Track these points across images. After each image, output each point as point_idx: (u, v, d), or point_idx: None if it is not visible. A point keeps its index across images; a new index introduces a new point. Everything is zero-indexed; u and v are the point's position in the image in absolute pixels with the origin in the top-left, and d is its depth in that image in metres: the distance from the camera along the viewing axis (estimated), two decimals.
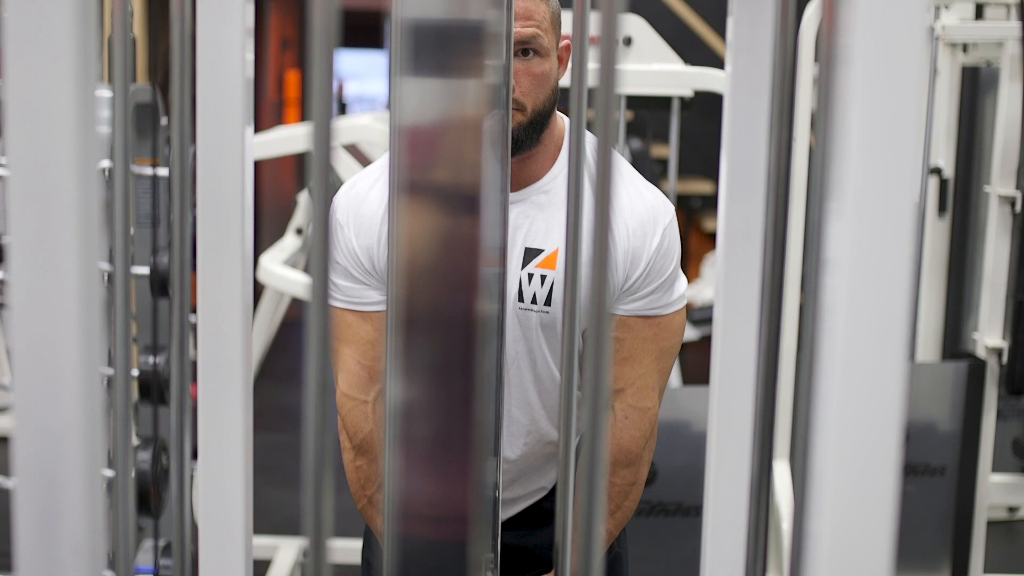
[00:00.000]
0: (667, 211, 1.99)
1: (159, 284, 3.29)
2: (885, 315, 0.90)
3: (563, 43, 1.95)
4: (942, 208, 4.42)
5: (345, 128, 3.83)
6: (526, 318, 1.96)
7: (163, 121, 3.27)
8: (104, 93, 1.00)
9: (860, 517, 0.93)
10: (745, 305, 1.37)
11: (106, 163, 2.17)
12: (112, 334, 1.06)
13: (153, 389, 3.20)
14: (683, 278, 2.02)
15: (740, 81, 1.35)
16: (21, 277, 0.91)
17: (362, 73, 17.57)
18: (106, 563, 0.97)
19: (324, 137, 0.88)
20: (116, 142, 1.03)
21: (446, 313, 0.65)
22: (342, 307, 1.98)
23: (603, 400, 0.86)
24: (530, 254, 1.95)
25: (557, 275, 1.94)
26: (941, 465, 3.75)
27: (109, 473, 2.06)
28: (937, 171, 4.36)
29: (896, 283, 0.89)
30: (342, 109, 16.96)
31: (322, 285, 0.91)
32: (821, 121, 1.02)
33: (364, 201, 1.97)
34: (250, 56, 1.42)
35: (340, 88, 17.11)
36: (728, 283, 1.39)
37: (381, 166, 2.04)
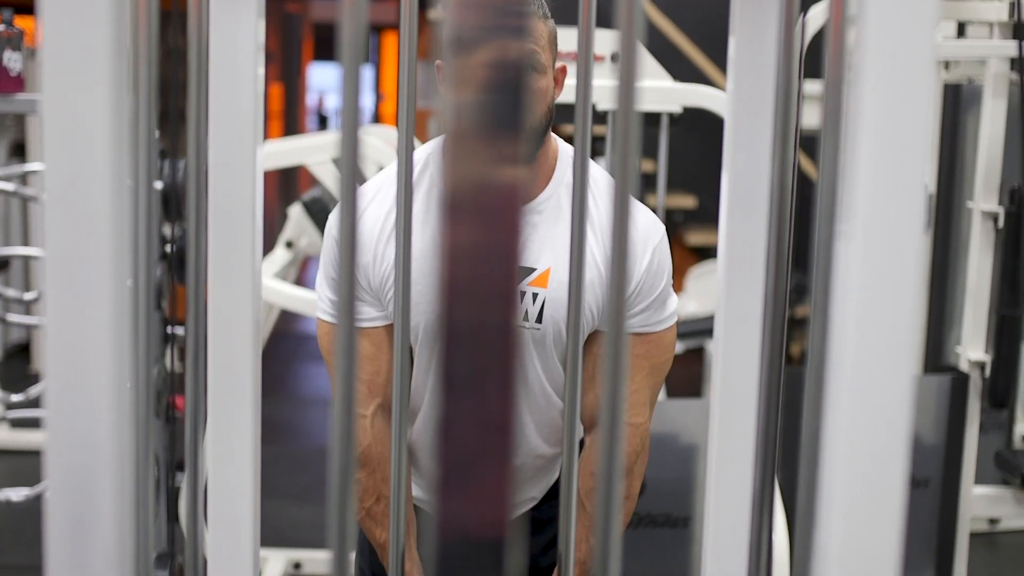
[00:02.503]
0: (656, 231, 2.04)
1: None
2: (893, 334, 0.92)
3: (558, 65, 1.99)
4: (925, 223, 4.47)
5: (331, 144, 3.85)
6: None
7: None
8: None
9: (868, 530, 0.95)
10: (746, 322, 1.39)
11: None
12: (136, 346, 1.07)
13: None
14: (674, 296, 2.07)
15: (741, 97, 1.38)
16: (56, 291, 0.93)
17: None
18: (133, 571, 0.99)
19: (352, 154, 0.90)
20: (140, 157, 1.05)
21: (484, 328, 0.68)
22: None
23: (619, 412, 0.89)
24: (522, 272, 1.98)
25: (548, 293, 1.97)
26: (925, 477, 3.79)
27: None
28: None
29: (905, 298, 0.92)
30: (323, 122, 16.95)
31: (348, 302, 0.93)
32: (828, 140, 1.05)
33: (360, 218, 1.99)
34: (261, 71, 1.44)
35: (320, 101, 17.11)
36: (729, 299, 1.42)
37: (377, 183, 2.06)
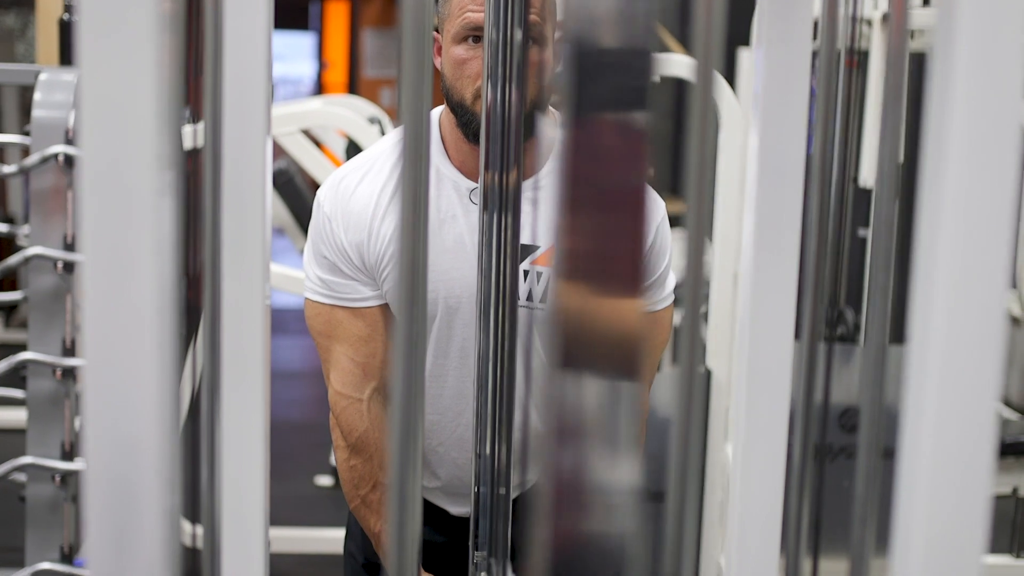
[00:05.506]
0: (658, 210, 1.99)
1: None
2: (984, 310, 0.90)
3: (558, 35, 1.94)
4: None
5: (298, 114, 3.79)
6: (522, 315, 1.94)
7: None
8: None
9: (955, 503, 0.93)
10: (778, 294, 1.37)
11: None
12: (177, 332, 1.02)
13: None
14: (673, 276, 2.03)
15: (773, 68, 1.34)
16: (97, 288, 0.87)
17: (285, 55, 17.41)
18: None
19: (416, 135, 0.86)
20: (171, 134, 0.99)
21: (606, 316, 0.64)
22: (331, 303, 1.96)
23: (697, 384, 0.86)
24: (526, 250, 1.93)
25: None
26: (893, 447, 3.80)
27: None
28: None
29: (996, 273, 0.89)
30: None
31: (410, 291, 0.88)
32: (889, 108, 1.02)
33: (353, 196, 1.95)
34: (270, 51, 1.38)
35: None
36: (758, 275, 1.39)
37: (368, 158, 2.01)
